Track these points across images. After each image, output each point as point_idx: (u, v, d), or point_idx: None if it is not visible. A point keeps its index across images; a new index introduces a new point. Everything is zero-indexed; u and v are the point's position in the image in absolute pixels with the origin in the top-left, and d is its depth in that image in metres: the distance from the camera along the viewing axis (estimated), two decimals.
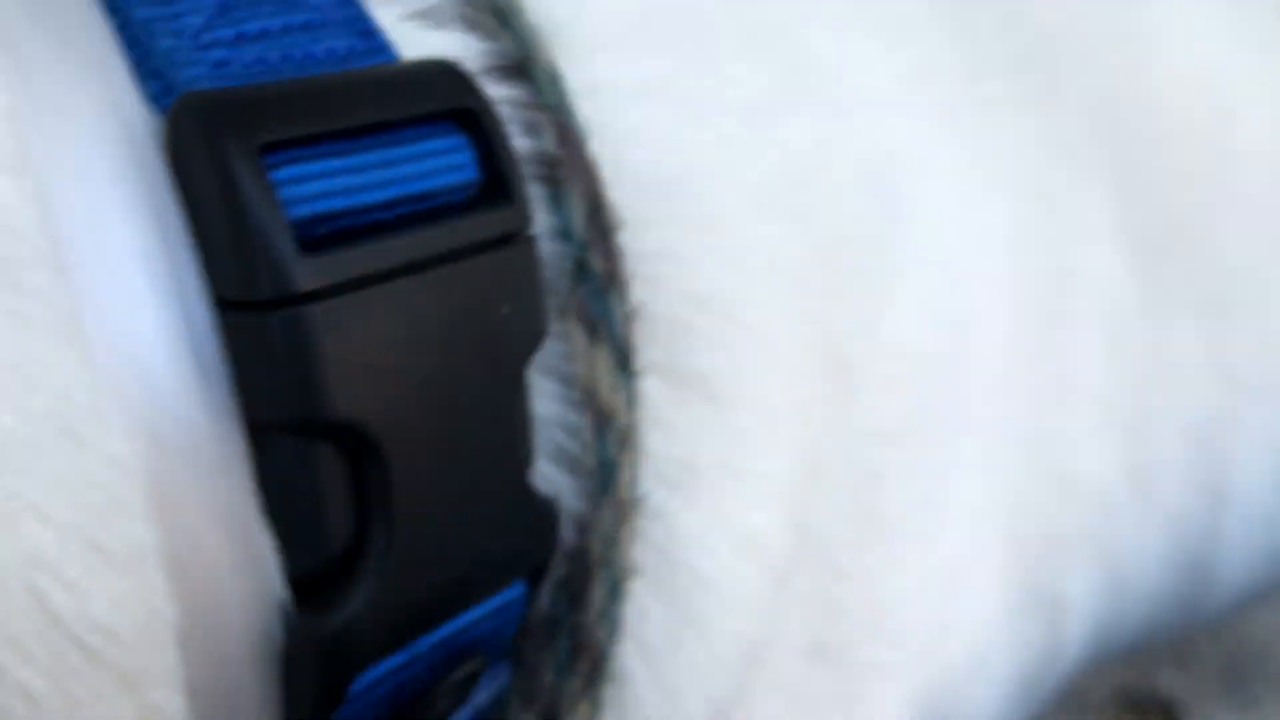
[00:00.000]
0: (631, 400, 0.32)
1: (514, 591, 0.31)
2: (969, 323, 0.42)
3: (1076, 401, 0.46)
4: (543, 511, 0.31)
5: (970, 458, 0.43)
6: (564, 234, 0.31)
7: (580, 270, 0.31)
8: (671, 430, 0.33)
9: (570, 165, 0.31)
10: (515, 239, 0.29)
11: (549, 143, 0.31)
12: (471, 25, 0.32)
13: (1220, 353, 0.48)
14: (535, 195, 0.31)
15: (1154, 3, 0.49)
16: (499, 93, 0.31)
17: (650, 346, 0.33)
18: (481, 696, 0.32)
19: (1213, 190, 0.48)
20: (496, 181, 0.29)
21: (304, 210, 0.26)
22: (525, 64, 0.32)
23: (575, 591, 0.32)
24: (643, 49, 0.35)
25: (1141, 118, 0.47)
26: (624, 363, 0.32)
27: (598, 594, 0.32)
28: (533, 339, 0.30)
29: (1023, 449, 0.45)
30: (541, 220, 0.31)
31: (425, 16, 0.31)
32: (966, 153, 0.44)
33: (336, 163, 0.27)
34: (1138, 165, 0.47)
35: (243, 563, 0.26)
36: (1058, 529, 0.46)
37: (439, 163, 0.28)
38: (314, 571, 0.27)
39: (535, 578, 0.32)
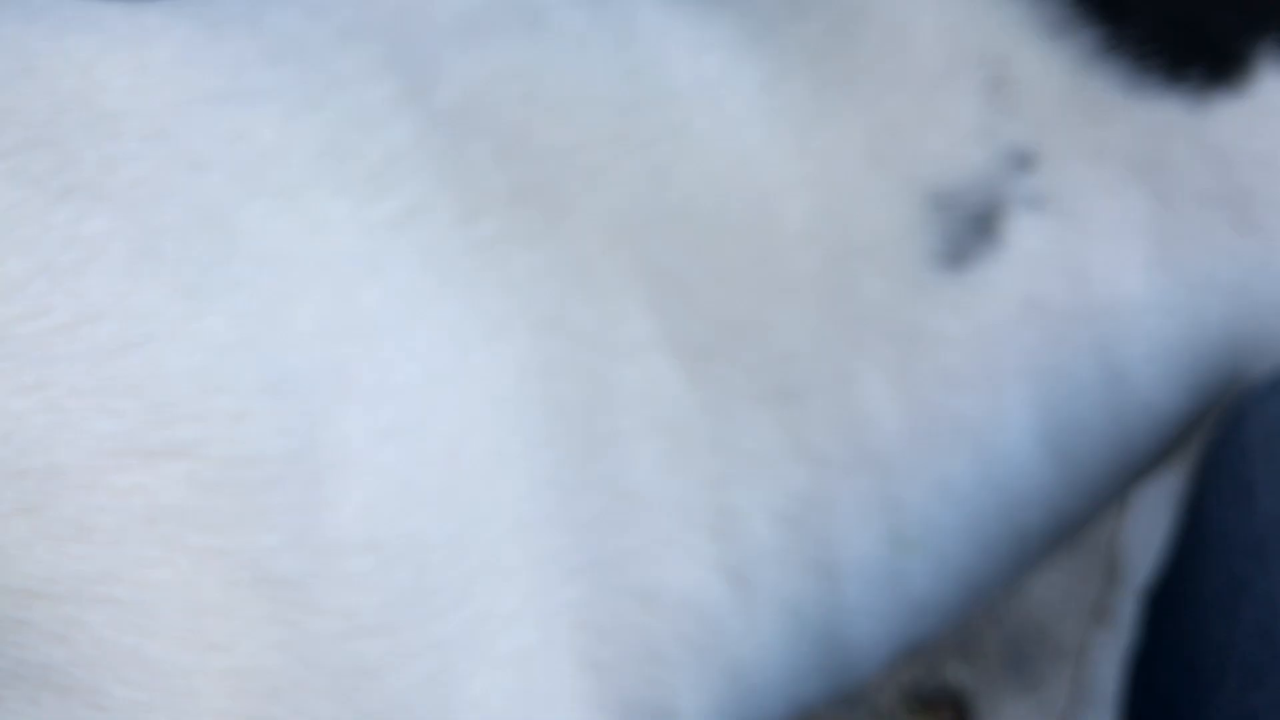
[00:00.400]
0: None
1: None
2: (468, 482, 0.42)
3: (646, 517, 0.46)
4: None
5: (508, 608, 0.43)
6: None
7: None
8: None
9: None
10: None
11: None
12: None
13: (798, 437, 0.48)
14: None
15: (679, 98, 0.47)
16: None
17: None
18: None
19: (759, 284, 0.47)
20: None
21: None
22: None
23: None
24: None
25: (670, 224, 0.46)
26: None
27: None
28: None
29: (588, 578, 0.45)
30: None
31: None
32: (462, 299, 0.43)
33: None
34: (674, 272, 0.46)
35: None
36: (650, 645, 0.46)
37: None
38: None
39: None
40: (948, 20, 0.49)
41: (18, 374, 0.34)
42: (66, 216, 0.37)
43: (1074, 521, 0.55)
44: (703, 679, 0.48)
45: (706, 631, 0.47)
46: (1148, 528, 0.78)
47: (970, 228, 0.49)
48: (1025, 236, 0.50)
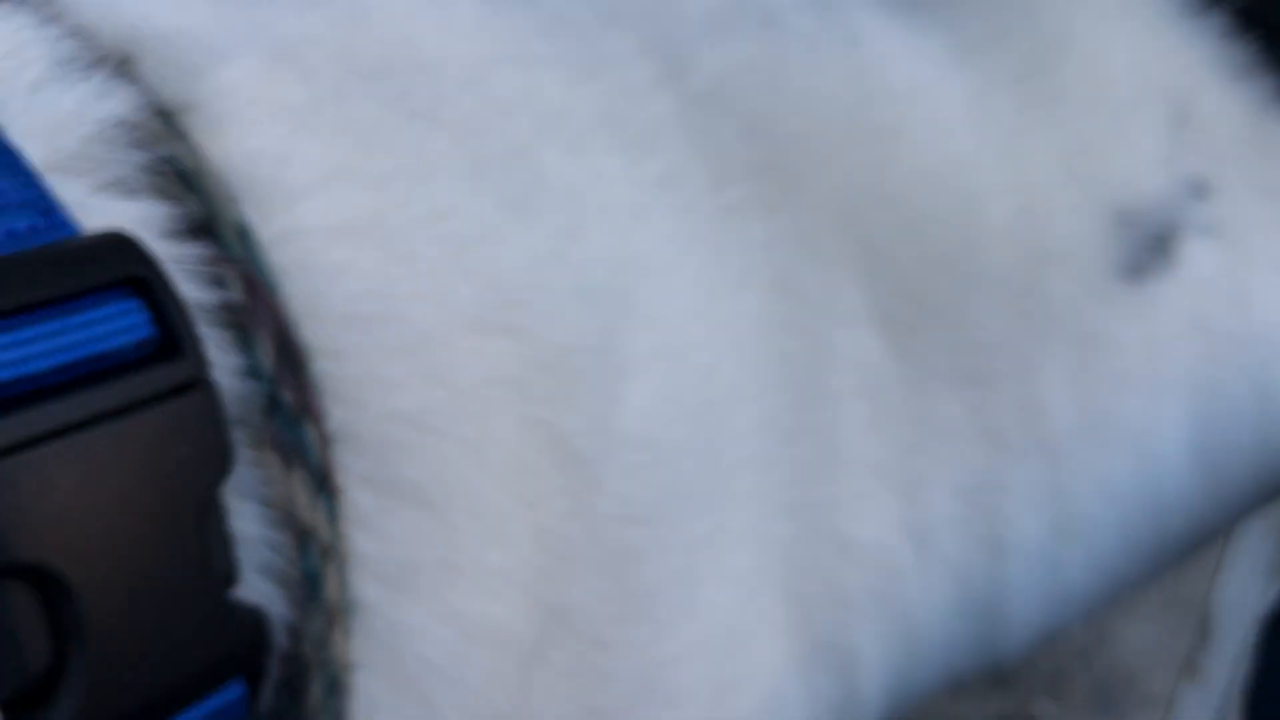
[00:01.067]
0: (333, 515, 0.36)
1: (232, 693, 0.35)
2: (716, 408, 0.46)
3: (847, 470, 0.50)
4: (248, 621, 0.35)
5: (736, 528, 0.47)
6: (254, 373, 0.35)
7: (271, 404, 0.35)
8: (386, 535, 0.37)
9: (257, 311, 0.36)
10: (192, 387, 0.33)
11: (235, 292, 0.36)
12: (160, 192, 0.36)
13: (982, 419, 0.52)
14: (224, 340, 0.35)
15: (898, 100, 0.52)
16: (185, 251, 0.35)
17: (359, 461, 0.37)
18: None
19: (960, 273, 0.52)
20: (170, 338, 0.33)
21: None
22: (211, 223, 0.36)
23: (295, 690, 0.36)
24: (348, 193, 0.39)
25: (886, 210, 0.51)
26: (322, 483, 0.36)
27: (315, 691, 0.36)
28: (218, 471, 0.34)
29: (797, 517, 0.49)
30: (232, 362, 0.35)
31: (115, 187, 0.36)
32: (711, 254, 0.47)
33: (6, 338, 0.31)
34: (885, 253, 0.51)
35: None
36: (841, 589, 0.50)
37: (111, 327, 0.33)
38: (20, 691, 0.31)
39: (254, 681, 0.36)
40: (1140, 55, 0.55)
41: (391, 246, 0.39)
42: (415, 134, 0.42)
43: (1211, 530, 0.59)
44: (882, 630, 0.51)
45: (890, 585, 0.51)
46: (1241, 590, 0.82)
47: (1149, 245, 0.54)
48: (1196, 259, 0.54)
